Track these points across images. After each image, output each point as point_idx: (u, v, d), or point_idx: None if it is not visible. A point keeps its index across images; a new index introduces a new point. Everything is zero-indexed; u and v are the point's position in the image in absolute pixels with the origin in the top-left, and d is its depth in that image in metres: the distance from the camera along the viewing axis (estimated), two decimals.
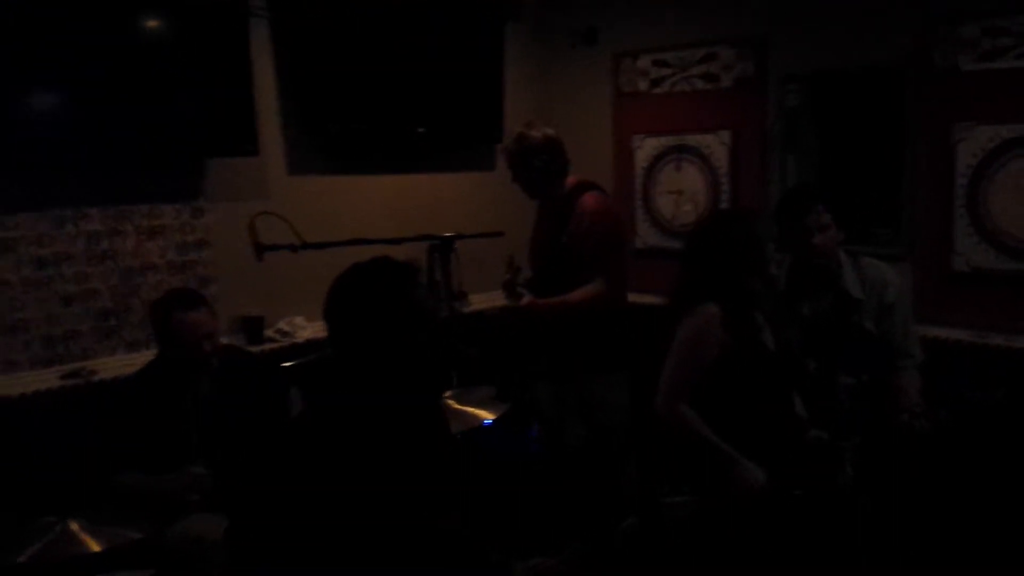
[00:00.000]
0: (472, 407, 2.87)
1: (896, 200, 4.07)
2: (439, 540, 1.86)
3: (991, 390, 2.55)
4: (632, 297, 3.78)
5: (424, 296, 1.92)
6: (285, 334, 4.07)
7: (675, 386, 2.69)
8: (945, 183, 3.90)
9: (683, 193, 4.84)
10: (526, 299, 3.50)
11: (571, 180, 3.61)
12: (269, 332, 4.06)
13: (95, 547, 2.18)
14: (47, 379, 3.45)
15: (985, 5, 3.73)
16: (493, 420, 2.84)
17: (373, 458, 1.81)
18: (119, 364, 3.60)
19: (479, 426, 2.82)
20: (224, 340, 3.22)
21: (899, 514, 2.87)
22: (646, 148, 4.96)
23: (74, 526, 2.23)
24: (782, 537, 2.58)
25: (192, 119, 3.65)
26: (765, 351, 2.72)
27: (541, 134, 3.51)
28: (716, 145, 4.66)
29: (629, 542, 2.61)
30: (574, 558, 2.12)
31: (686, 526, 2.58)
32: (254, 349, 3.88)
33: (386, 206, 4.54)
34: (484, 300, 4.22)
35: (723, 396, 2.64)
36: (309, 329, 4.09)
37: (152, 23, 3.52)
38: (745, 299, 2.69)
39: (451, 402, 2.87)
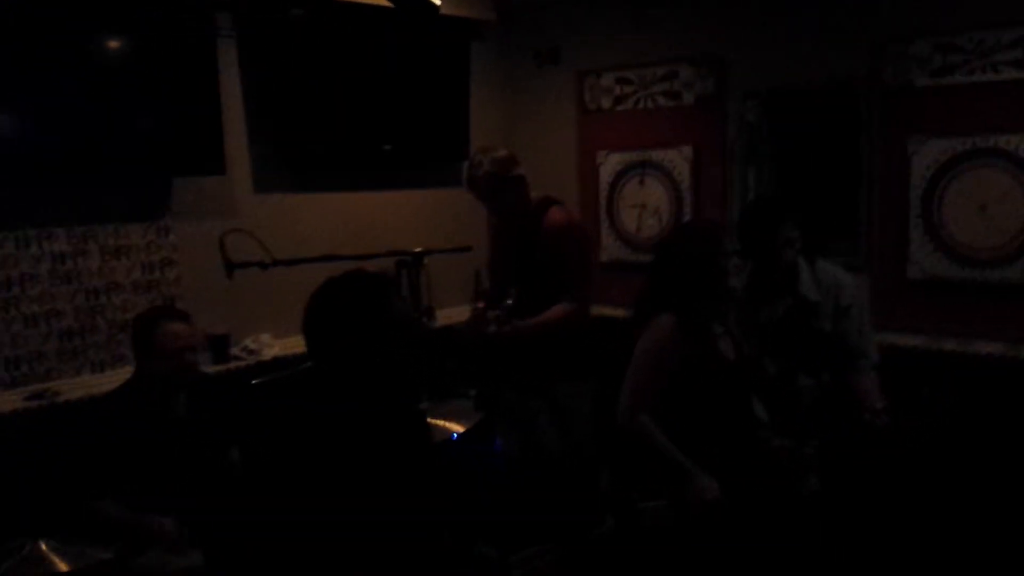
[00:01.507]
0: (443, 420, 2.89)
1: (853, 213, 4.17)
2: (425, 547, 1.87)
3: (945, 393, 2.63)
4: (598, 310, 3.82)
5: (402, 307, 1.94)
6: (251, 352, 4.06)
7: (635, 396, 2.74)
8: (900, 195, 4.01)
9: (647, 207, 4.91)
10: (507, 326, 3.50)
11: (534, 196, 3.65)
12: (235, 350, 4.05)
13: (63, 567, 2.17)
14: (11, 400, 3.41)
15: (936, 23, 3.85)
16: (459, 434, 2.86)
17: (358, 466, 1.82)
18: (84, 385, 3.57)
19: (447, 439, 2.84)
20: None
21: (864, 517, 2.93)
22: (610, 163, 5.04)
23: (43, 547, 2.21)
24: (753, 543, 2.63)
25: (159, 138, 3.65)
26: (723, 360, 2.77)
27: (506, 152, 3.56)
28: (678, 160, 4.75)
29: (605, 545, 2.64)
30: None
31: (661, 530, 2.62)
32: (220, 367, 3.88)
33: (353, 223, 4.56)
34: (452, 315, 4.26)
35: (683, 406, 2.69)
36: (276, 347, 4.09)
37: (119, 42, 3.53)
38: (703, 310, 2.76)
39: None
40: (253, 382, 2.92)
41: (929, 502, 3.42)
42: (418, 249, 2.99)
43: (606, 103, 5.02)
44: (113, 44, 3.51)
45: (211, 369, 3.77)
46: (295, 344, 3.76)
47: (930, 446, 3.20)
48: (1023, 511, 3.36)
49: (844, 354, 3.05)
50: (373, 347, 1.84)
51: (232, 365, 3.94)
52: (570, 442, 3.62)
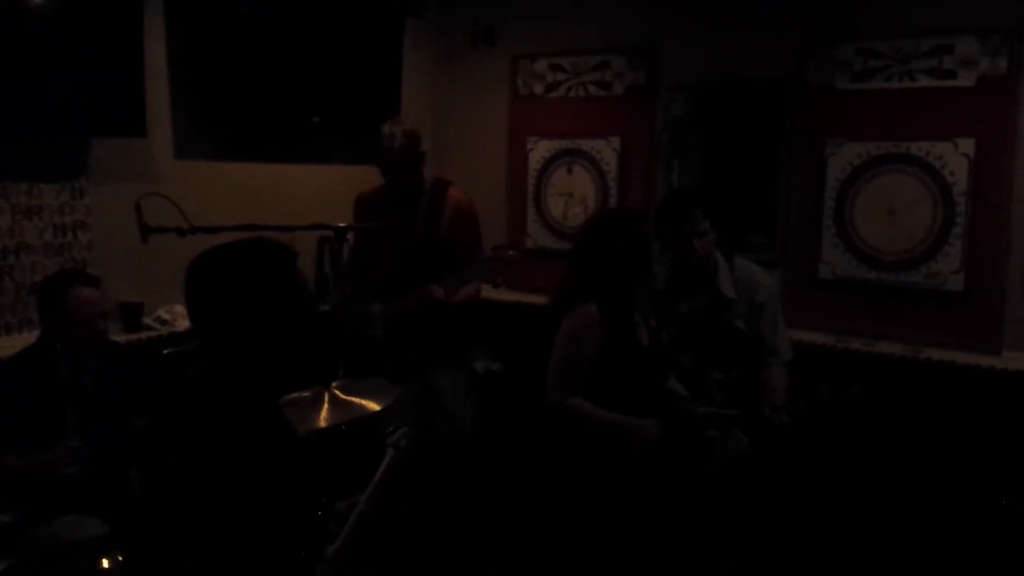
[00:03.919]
0: (358, 397, 2.87)
1: (771, 209, 4.29)
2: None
3: (847, 387, 2.73)
4: (522, 297, 3.84)
5: (302, 279, 1.79)
6: (164, 322, 3.97)
7: (561, 381, 2.79)
8: (816, 195, 4.14)
9: (573, 195, 4.96)
10: (437, 292, 3.52)
11: (430, 174, 3.72)
12: (148, 320, 3.96)
13: None
14: None
15: (860, 28, 3.98)
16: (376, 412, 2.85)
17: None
18: None
19: (363, 417, 2.82)
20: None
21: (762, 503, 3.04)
22: (539, 150, 5.06)
23: None
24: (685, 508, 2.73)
25: (77, 95, 3.52)
26: (639, 349, 2.83)
27: (413, 126, 3.61)
28: (606, 150, 4.80)
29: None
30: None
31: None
32: (132, 337, 3.79)
33: (277, 195, 4.49)
34: None
35: (600, 392, 2.75)
36: None
37: None
38: (624, 299, 2.81)
39: (337, 392, 2.86)
40: (164, 352, 2.87)
41: (827, 492, 3.56)
42: (341, 224, 2.97)
43: (538, 89, 5.05)
44: (36, 0, 3.38)
45: (123, 338, 3.67)
46: None
47: (824, 440, 3.33)
48: (913, 502, 3.54)
49: (757, 351, 3.13)
50: (269, 322, 1.71)
51: (144, 335, 3.85)
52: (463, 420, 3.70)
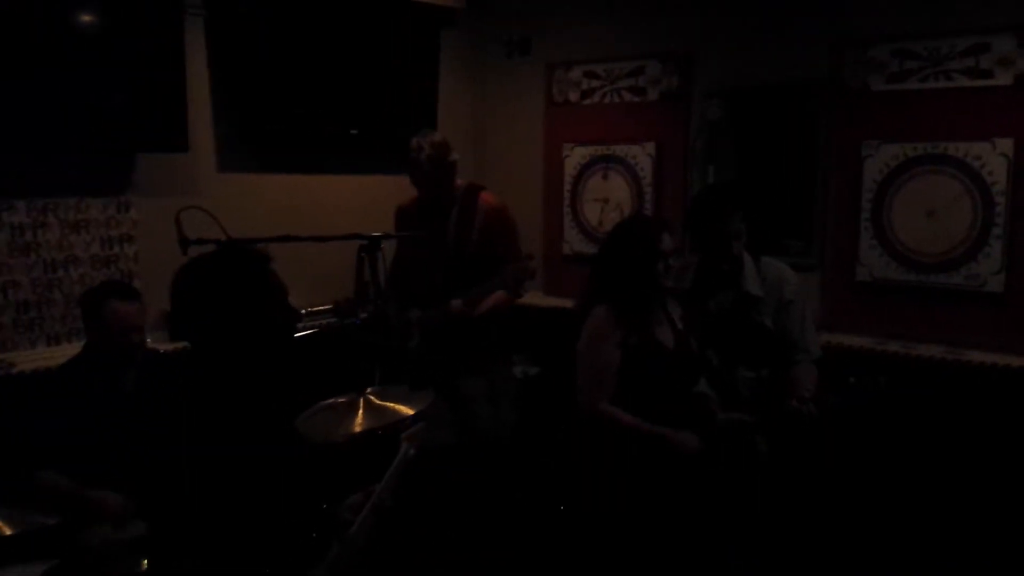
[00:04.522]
0: (393, 402, 2.93)
1: (808, 213, 4.26)
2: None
3: (874, 377, 2.72)
4: (560, 302, 3.88)
5: (273, 279, 1.91)
6: None
7: (589, 388, 2.83)
8: (853, 197, 4.11)
9: (609, 201, 4.98)
10: (457, 305, 3.58)
11: (461, 182, 3.76)
12: None
13: (6, 531, 2.19)
14: None
15: (895, 28, 3.94)
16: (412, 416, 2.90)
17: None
18: (39, 357, 3.57)
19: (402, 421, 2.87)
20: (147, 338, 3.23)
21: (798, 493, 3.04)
22: (575, 157, 5.09)
23: None
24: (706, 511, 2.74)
25: (123, 113, 3.63)
26: (661, 347, 2.85)
27: (441, 136, 3.67)
28: (641, 156, 4.81)
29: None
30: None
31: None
32: (177, 345, 3.88)
33: (316, 206, 4.57)
34: None
35: (625, 395, 2.78)
36: None
37: (86, 16, 3.50)
38: (634, 300, 2.84)
39: (372, 398, 2.92)
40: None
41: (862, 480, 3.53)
42: (376, 233, 3.03)
43: (573, 96, 5.08)
44: (80, 18, 3.49)
45: (168, 347, 3.77)
46: None
47: (861, 441, 3.31)
48: (950, 505, 3.49)
49: (784, 349, 3.13)
50: (245, 321, 1.82)
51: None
52: (503, 424, 3.73)
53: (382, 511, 2.00)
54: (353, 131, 4.55)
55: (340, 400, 2.37)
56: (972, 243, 3.81)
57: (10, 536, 2.17)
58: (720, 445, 2.79)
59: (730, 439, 2.83)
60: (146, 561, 2.05)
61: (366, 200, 4.79)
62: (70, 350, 3.42)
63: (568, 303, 4.28)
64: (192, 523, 1.81)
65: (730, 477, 2.82)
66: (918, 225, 3.94)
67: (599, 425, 2.82)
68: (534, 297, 4.89)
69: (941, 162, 3.86)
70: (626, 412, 2.78)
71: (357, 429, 2.36)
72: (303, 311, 4.05)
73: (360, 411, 2.39)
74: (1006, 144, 3.70)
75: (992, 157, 3.73)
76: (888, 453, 3.64)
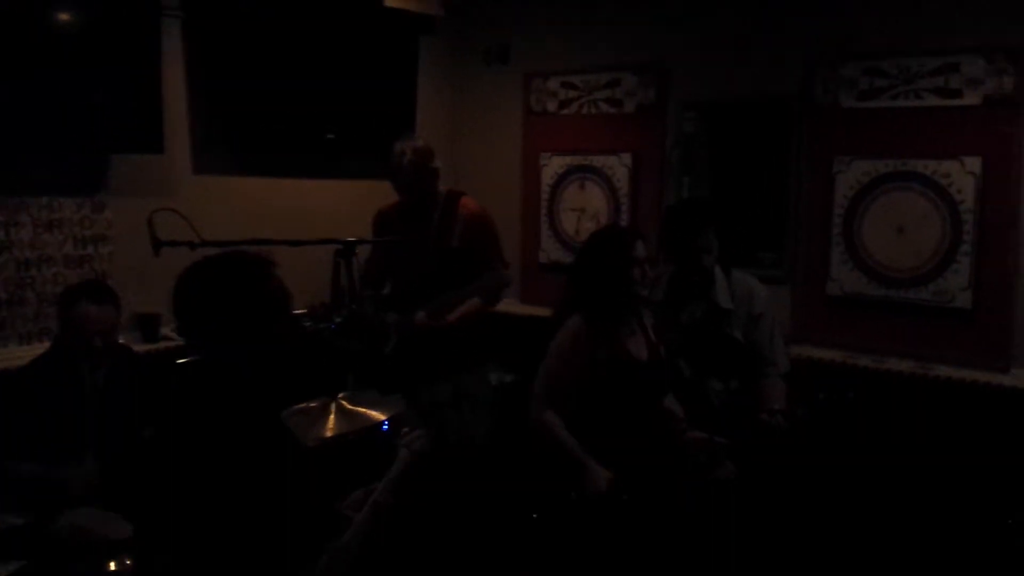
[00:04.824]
0: (365, 408, 2.93)
1: (780, 226, 4.31)
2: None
3: (842, 392, 2.76)
4: (536, 311, 3.90)
5: (279, 287, 1.92)
6: None
7: (542, 394, 2.88)
8: (824, 212, 4.16)
9: (585, 211, 5.01)
10: (420, 318, 3.61)
11: (443, 188, 3.79)
12: (165, 330, 4.04)
13: None
14: None
15: (866, 47, 4.01)
16: (386, 421, 2.90)
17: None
18: (10, 356, 3.53)
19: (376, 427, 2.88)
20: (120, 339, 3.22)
21: (769, 507, 3.05)
22: (552, 166, 5.12)
23: None
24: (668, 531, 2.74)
25: (98, 113, 3.61)
26: (632, 359, 2.88)
27: (424, 142, 3.69)
28: (618, 166, 4.85)
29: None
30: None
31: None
32: (149, 347, 3.87)
33: (291, 209, 4.56)
34: None
35: (591, 402, 2.80)
36: None
37: (62, 16, 3.48)
38: (608, 310, 2.86)
39: (344, 402, 2.92)
40: (177, 362, 2.93)
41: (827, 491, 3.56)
42: (351, 238, 3.03)
43: (551, 106, 5.11)
44: (57, 18, 3.47)
45: (140, 348, 3.75)
46: None
47: (829, 455, 3.34)
48: (919, 519, 3.54)
49: (754, 361, 3.17)
50: (247, 327, 1.83)
51: (161, 345, 3.93)
52: (474, 431, 3.74)
53: (381, 512, 2.02)
54: (329, 135, 4.55)
55: (312, 404, 2.38)
56: (941, 259, 3.88)
57: None
58: (686, 464, 2.81)
59: (698, 462, 2.84)
60: (113, 564, 2.03)
61: (342, 204, 4.79)
62: (40, 350, 3.39)
63: (545, 311, 4.30)
64: (177, 525, 1.80)
65: (692, 513, 2.82)
66: (888, 241, 4.00)
67: (538, 431, 2.86)
68: (510, 305, 4.89)
69: (910, 179, 3.93)
70: (598, 424, 2.79)
71: (328, 434, 2.36)
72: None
73: (332, 415, 2.40)
74: (974, 162, 3.77)
75: (960, 175, 3.80)
76: (856, 467, 3.67)
